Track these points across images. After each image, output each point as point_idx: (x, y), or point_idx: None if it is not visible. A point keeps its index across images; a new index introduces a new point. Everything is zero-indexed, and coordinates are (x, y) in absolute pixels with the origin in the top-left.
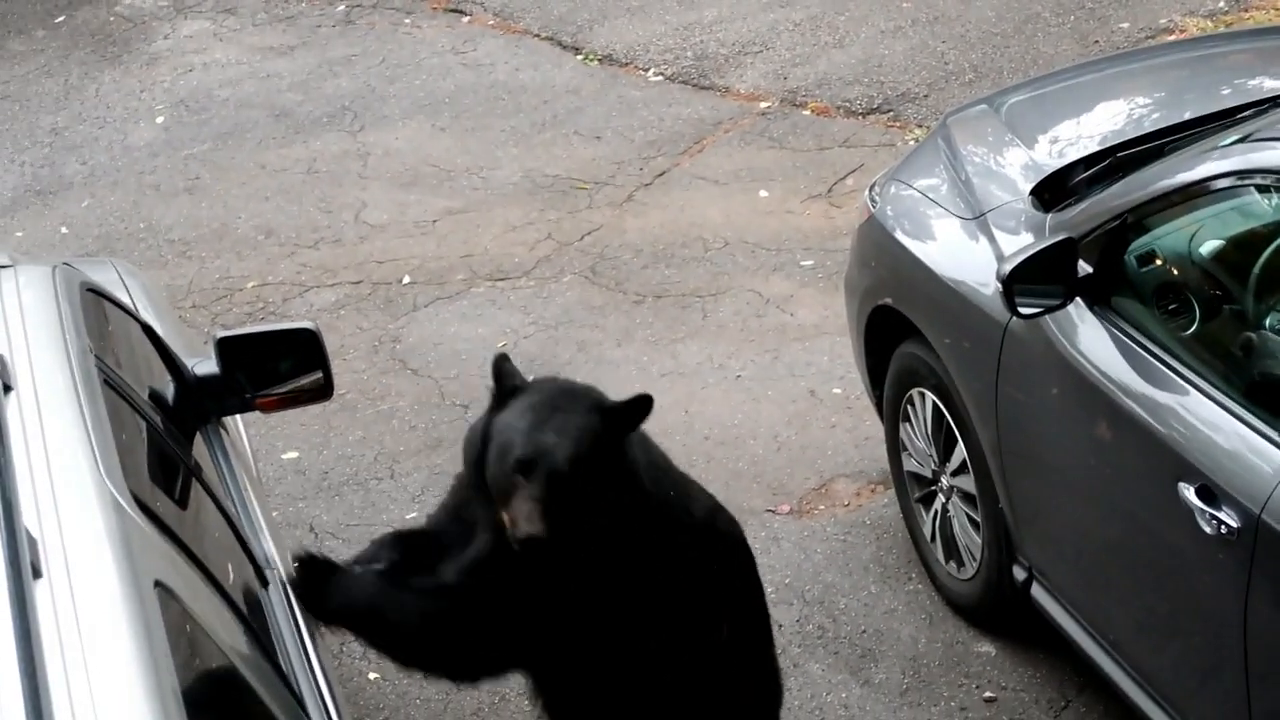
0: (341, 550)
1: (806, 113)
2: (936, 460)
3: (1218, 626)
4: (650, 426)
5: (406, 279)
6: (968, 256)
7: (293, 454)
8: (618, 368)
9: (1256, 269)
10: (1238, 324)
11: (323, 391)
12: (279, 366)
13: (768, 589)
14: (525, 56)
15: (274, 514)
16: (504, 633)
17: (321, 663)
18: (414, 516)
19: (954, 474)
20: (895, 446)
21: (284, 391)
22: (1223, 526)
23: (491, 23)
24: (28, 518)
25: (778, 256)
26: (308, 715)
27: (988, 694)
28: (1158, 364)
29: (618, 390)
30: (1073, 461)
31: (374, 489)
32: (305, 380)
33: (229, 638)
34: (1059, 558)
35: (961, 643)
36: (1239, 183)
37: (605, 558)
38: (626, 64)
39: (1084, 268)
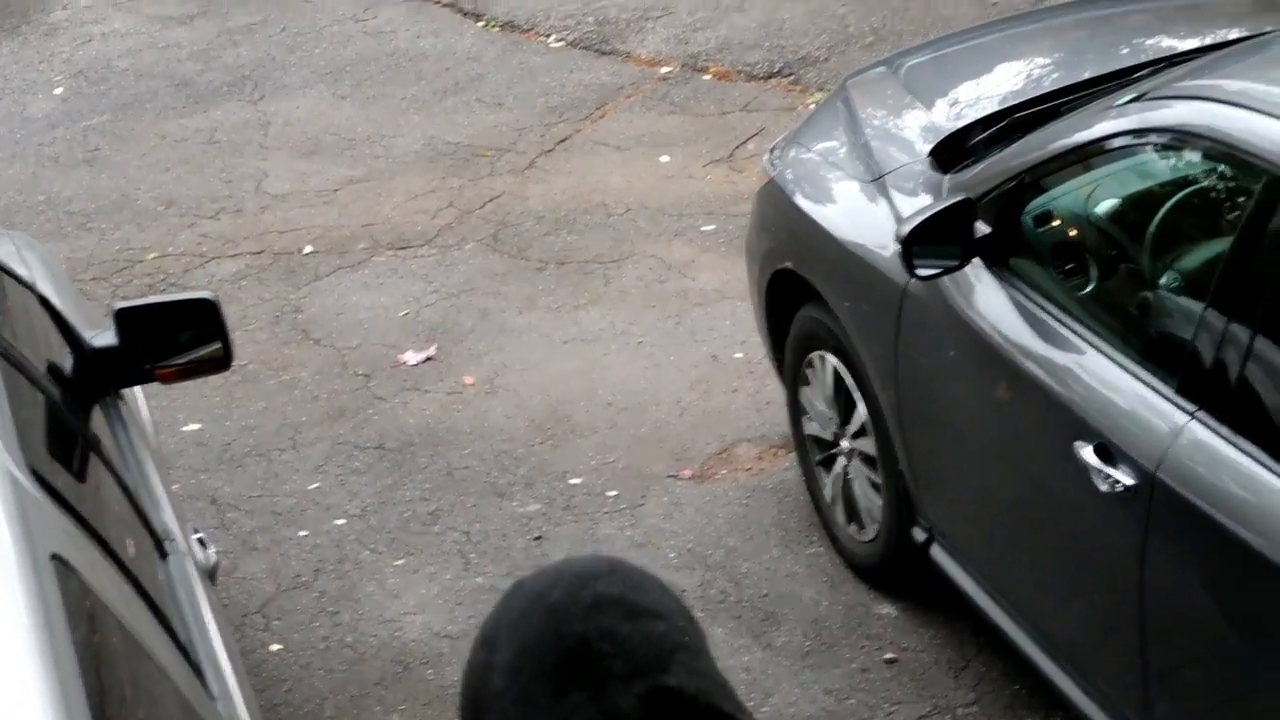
0: (244, 521)
1: (707, 77)
2: (837, 423)
3: (1115, 584)
4: (553, 393)
5: (308, 249)
6: (866, 219)
7: (194, 426)
8: (520, 335)
9: (1152, 228)
10: (1134, 283)
11: (222, 362)
12: (179, 337)
13: (670, 554)
14: (426, 24)
15: (175, 486)
16: None
17: (222, 635)
18: (316, 487)
19: (854, 436)
20: (796, 410)
21: (183, 362)
22: (1119, 485)
23: None
24: None
25: (679, 222)
26: (208, 687)
27: (889, 655)
28: (1055, 324)
29: (521, 358)
30: (971, 422)
31: (276, 460)
32: (205, 351)
33: (127, 610)
34: (958, 518)
35: (863, 605)
36: (1135, 142)
37: None
38: (528, 30)
39: (982, 228)
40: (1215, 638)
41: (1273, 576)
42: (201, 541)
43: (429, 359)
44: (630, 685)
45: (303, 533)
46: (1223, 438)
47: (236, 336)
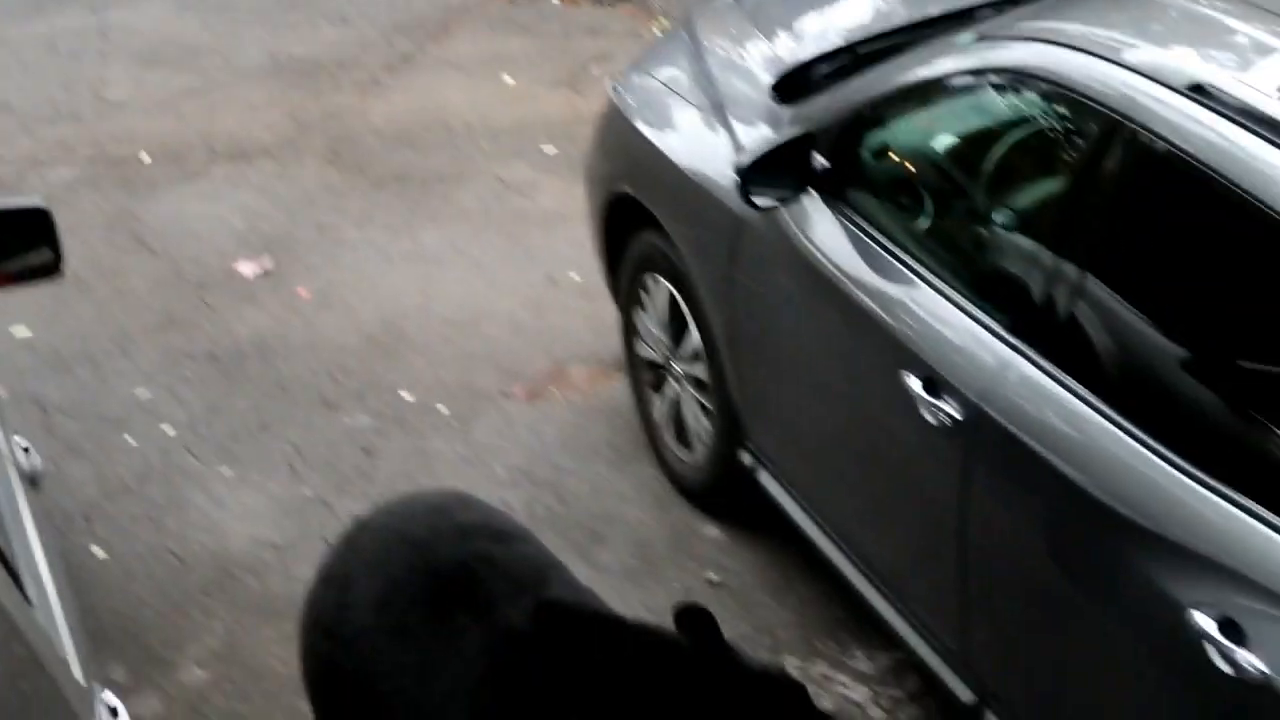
0: (71, 426)
1: (554, 0)
2: (669, 347)
3: (937, 515)
4: (388, 309)
5: (146, 158)
6: (706, 148)
7: (24, 330)
8: (357, 250)
9: (988, 166)
10: (969, 220)
11: (52, 268)
12: (8, 243)
13: (499, 471)
14: None
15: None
16: None
17: (43, 541)
18: (146, 394)
19: (686, 360)
20: (629, 333)
21: (13, 268)
22: (945, 417)
23: None
24: None
25: (520, 143)
26: (24, 592)
27: (713, 576)
28: (888, 257)
29: (357, 273)
30: (802, 351)
31: (106, 366)
32: (35, 257)
33: None
34: (786, 444)
35: (688, 526)
36: (975, 80)
37: None
38: None
39: (820, 161)
40: (1032, 569)
41: (1091, 510)
42: (26, 450)
43: (265, 271)
44: (516, 602)
45: (130, 440)
46: (1049, 375)
47: (71, 243)
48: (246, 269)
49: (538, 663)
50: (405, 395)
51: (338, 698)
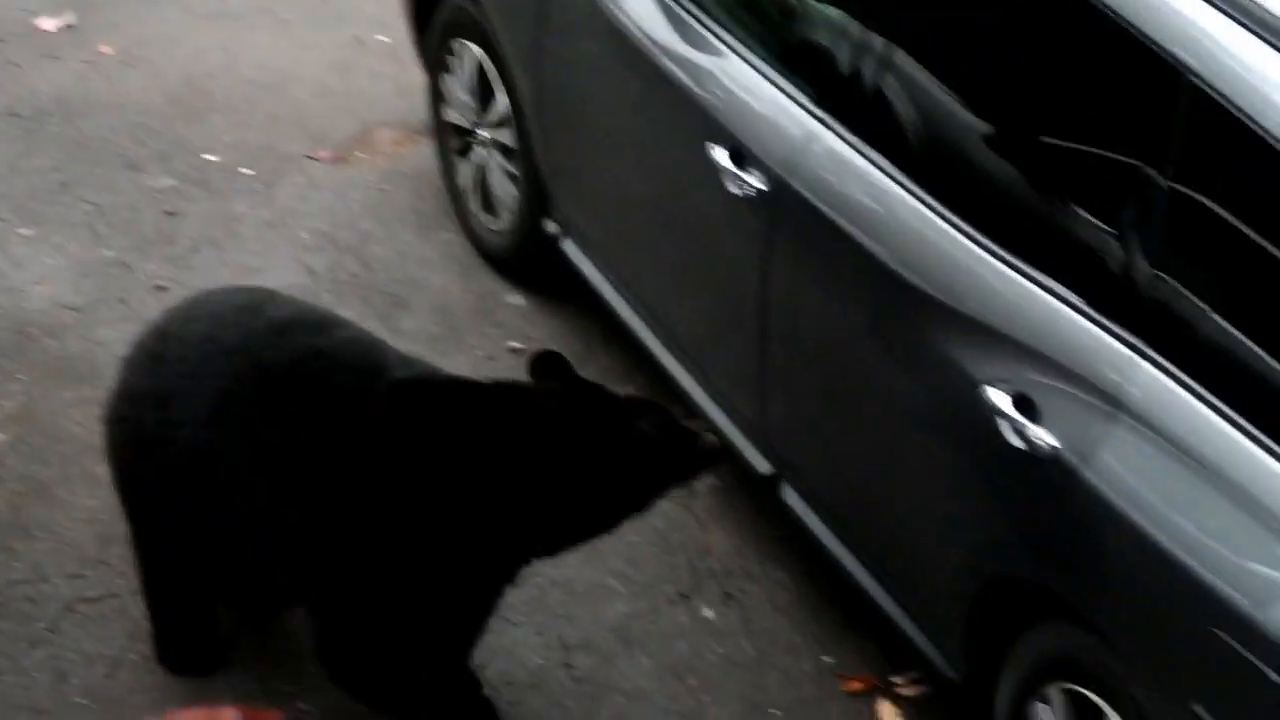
0: None
1: None
2: (477, 112)
3: (739, 286)
4: (193, 68)
5: None
6: None
7: None
8: (161, 7)
9: None
10: None
11: None
12: None
13: (302, 235)
14: None
15: None
16: None
17: None
18: None
19: (493, 127)
20: (437, 97)
21: None
22: (750, 188)
23: None
24: None
25: None
26: None
27: (514, 344)
28: (697, 25)
29: (162, 31)
30: (610, 119)
31: None
32: None
33: None
34: (591, 213)
35: (492, 294)
36: None
37: None
38: None
39: None
40: (831, 343)
41: (891, 285)
42: None
43: (67, 26)
44: (365, 391)
45: None
46: (854, 148)
47: None
48: (48, 23)
49: (417, 442)
50: (209, 156)
51: (170, 521)
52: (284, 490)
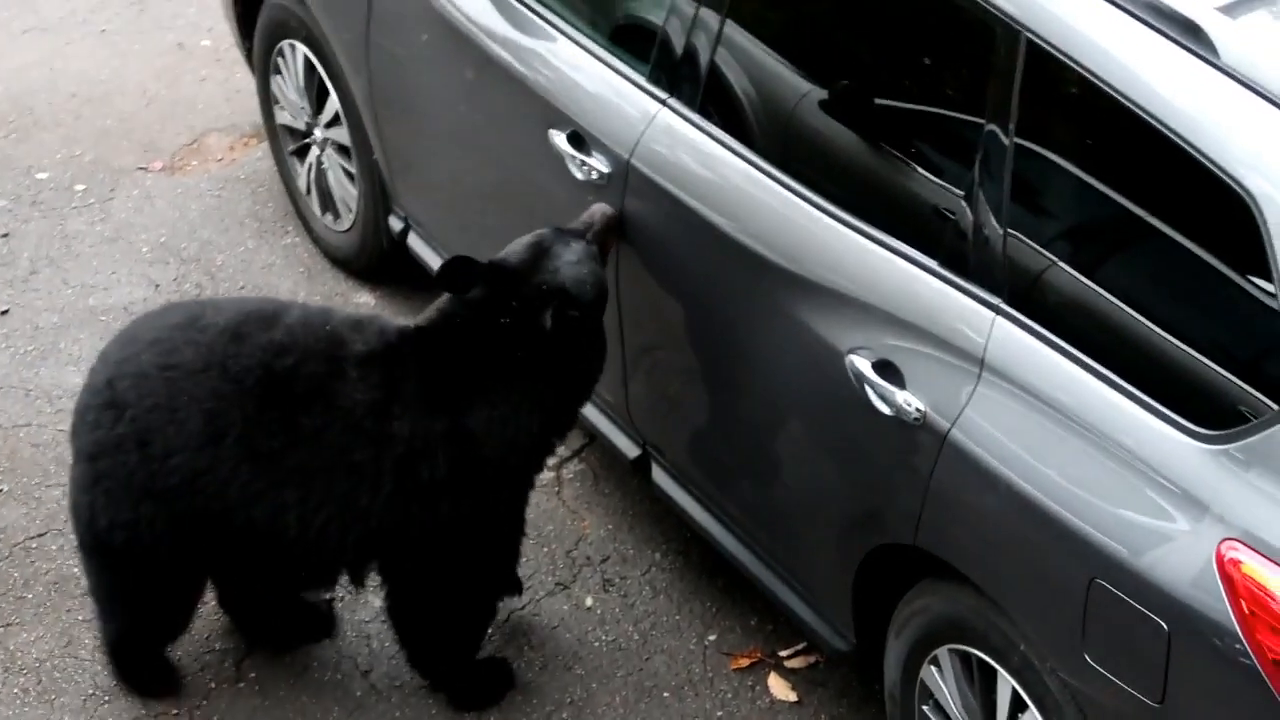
0: None
1: None
2: (310, 112)
3: None
4: (14, 85)
5: None
6: None
7: None
8: None
9: None
10: None
11: None
12: None
13: (143, 249)
14: None
15: None
16: None
17: None
18: None
19: (328, 126)
20: (267, 99)
21: None
22: (594, 172)
23: None
24: None
25: None
26: None
27: None
28: (525, 10)
29: None
30: (446, 111)
31: None
32: None
33: None
34: (434, 206)
35: (340, 294)
36: None
37: None
38: None
39: None
40: (686, 320)
41: (741, 258)
42: None
43: None
44: (346, 371)
45: None
46: (692, 123)
47: None
48: None
49: (429, 385)
50: (39, 175)
51: (173, 562)
52: (322, 479)
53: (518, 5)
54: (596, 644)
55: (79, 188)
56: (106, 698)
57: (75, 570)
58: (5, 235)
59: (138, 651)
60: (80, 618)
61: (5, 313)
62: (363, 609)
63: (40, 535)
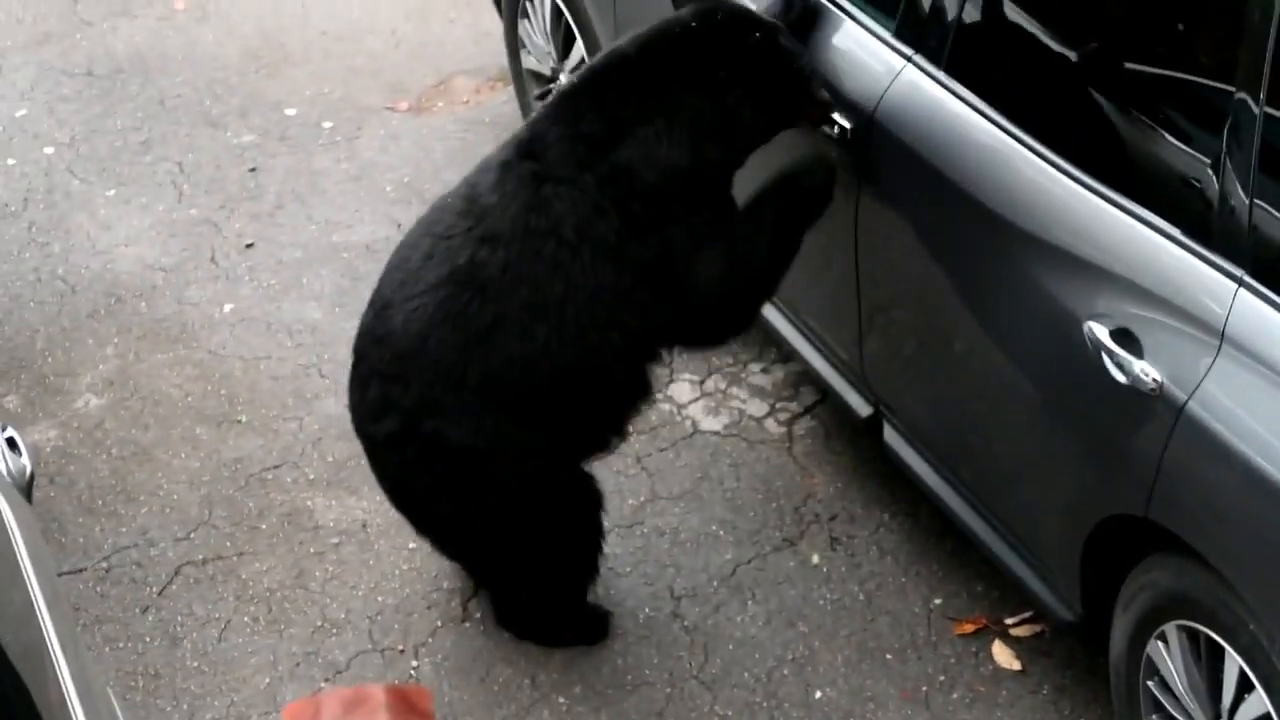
0: None
1: None
2: (556, 58)
3: (830, 226)
4: (267, 21)
5: None
6: None
7: None
8: None
9: None
10: None
11: None
12: None
13: (386, 188)
14: None
15: None
16: None
17: None
18: (23, 114)
19: (573, 71)
20: (514, 43)
21: None
22: (836, 128)
23: None
24: None
25: None
26: None
27: None
28: None
29: None
30: None
31: None
32: None
33: None
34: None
35: None
36: None
37: None
38: None
39: None
40: (925, 280)
41: (974, 214)
42: (11, 442)
43: None
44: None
45: (10, 161)
46: (939, 83)
47: None
48: None
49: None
50: (289, 110)
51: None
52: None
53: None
54: (820, 602)
55: (326, 125)
56: (334, 630)
57: (309, 503)
58: (253, 170)
59: (576, 596)
60: (311, 550)
61: (250, 246)
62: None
63: (276, 467)
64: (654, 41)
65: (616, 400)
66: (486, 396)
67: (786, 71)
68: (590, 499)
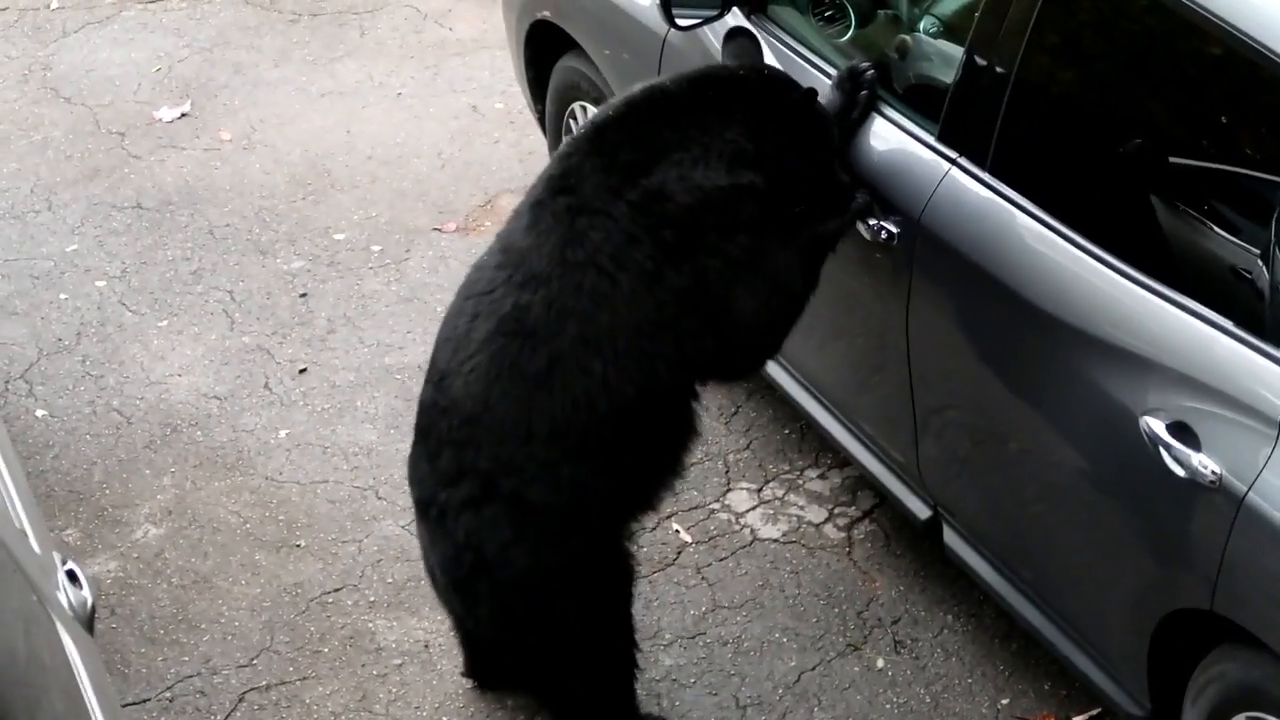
0: (1, 286)
1: None
2: None
3: (881, 328)
4: (312, 148)
5: (54, 4)
6: None
7: None
8: (276, 89)
9: None
10: (892, 28)
11: None
12: None
13: (436, 309)
14: None
15: None
16: None
17: None
18: (74, 248)
19: None
20: None
21: None
22: (883, 233)
23: None
24: None
25: None
26: None
27: None
28: (812, 70)
29: (278, 113)
30: None
31: (31, 222)
32: None
33: None
34: None
35: None
36: None
37: None
38: None
39: None
40: (970, 377)
41: (1035, 320)
42: (72, 575)
43: (184, 115)
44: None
45: (63, 295)
46: (983, 183)
47: None
48: (166, 114)
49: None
50: (337, 235)
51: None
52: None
53: (804, 65)
54: (887, 706)
55: (375, 248)
56: None
57: (370, 625)
58: (304, 295)
59: (628, 694)
60: (374, 673)
61: (304, 371)
62: (653, 667)
63: (336, 590)
64: (697, 79)
65: (674, 437)
66: (557, 445)
67: (819, 134)
68: (630, 577)
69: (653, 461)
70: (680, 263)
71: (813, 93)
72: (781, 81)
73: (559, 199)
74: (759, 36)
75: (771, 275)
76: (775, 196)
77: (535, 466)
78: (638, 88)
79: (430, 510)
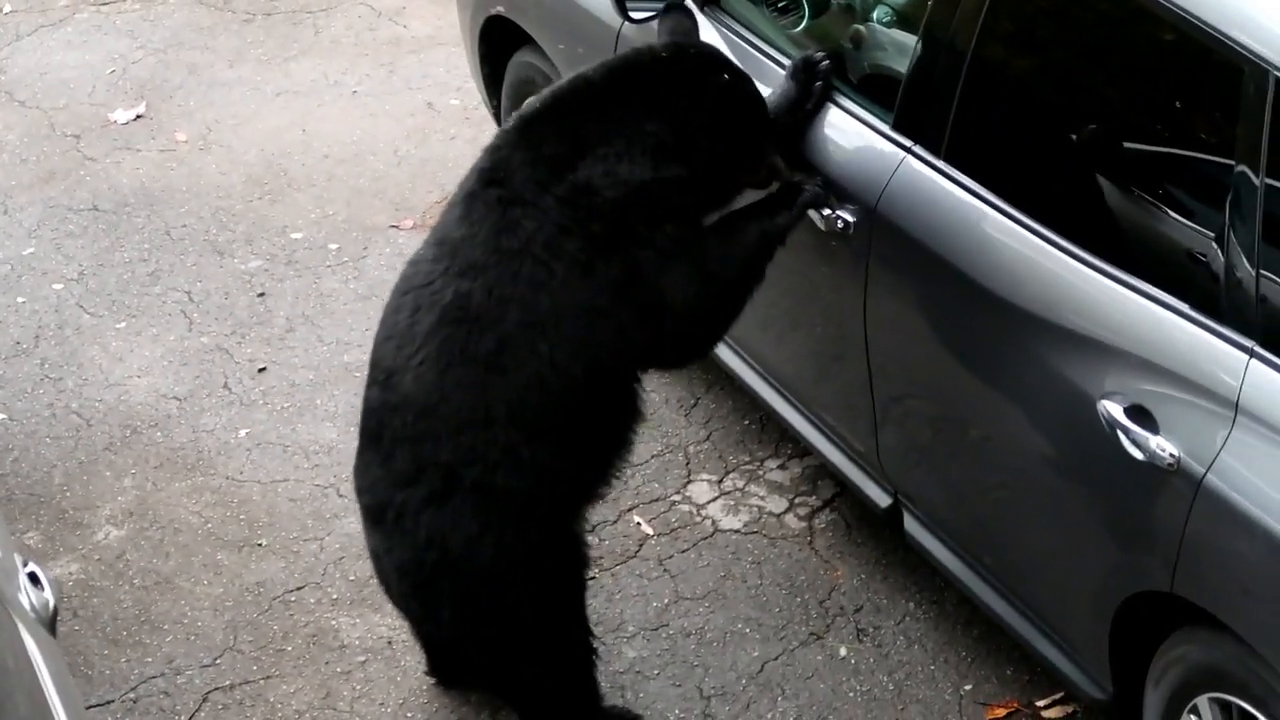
0: None
1: None
2: None
3: (839, 318)
4: (268, 148)
5: (7, 7)
6: None
7: None
8: (231, 89)
9: None
10: (846, 18)
11: None
12: None
13: None
14: None
15: None
16: None
17: None
18: (31, 252)
19: None
20: None
21: None
22: (840, 222)
23: None
24: None
25: None
26: None
27: None
28: (769, 62)
29: (234, 113)
30: None
31: None
32: None
33: None
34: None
35: None
36: None
37: None
38: None
39: None
40: (928, 365)
41: (981, 300)
42: (34, 577)
43: (139, 117)
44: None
45: (20, 299)
46: (938, 170)
47: None
48: (121, 116)
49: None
50: (294, 235)
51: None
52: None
53: (760, 57)
54: (851, 694)
55: (333, 246)
56: None
57: (333, 623)
58: (262, 295)
59: (591, 684)
60: (338, 670)
61: (263, 370)
62: (616, 660)
63: (299, 588)
64: (620, 68)
65: (621, 419)
66: (516, 427)
67: (749, 118)
68: (586, 564)
69: (604, 443)
70: (610, 255)
71: (742, 75)
72: (710, 62)
73: (490, 190)
74: (694, 11)
75: (703, 265)
76: (705, 185)
77: (497, 451)
78: (565, 79)
79: (386, 514)
